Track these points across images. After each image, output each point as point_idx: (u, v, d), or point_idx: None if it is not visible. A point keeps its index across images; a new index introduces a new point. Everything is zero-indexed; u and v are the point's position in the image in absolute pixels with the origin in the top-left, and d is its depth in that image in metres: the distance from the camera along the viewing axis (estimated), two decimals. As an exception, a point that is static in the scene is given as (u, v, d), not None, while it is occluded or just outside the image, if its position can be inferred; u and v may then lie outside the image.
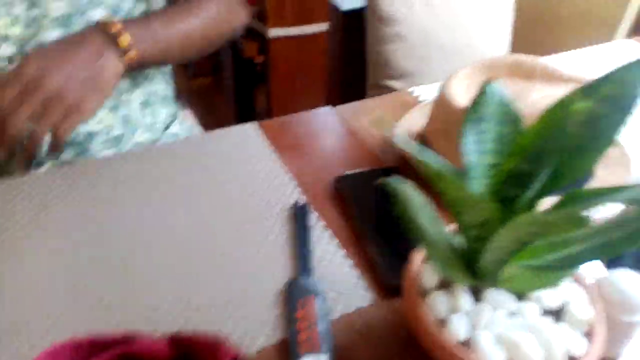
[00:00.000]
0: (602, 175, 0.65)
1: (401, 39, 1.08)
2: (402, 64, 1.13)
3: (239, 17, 0.87)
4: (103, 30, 0.66)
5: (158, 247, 0.54)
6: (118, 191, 0.61)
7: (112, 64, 0.66)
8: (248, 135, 0.71)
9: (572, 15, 1.37)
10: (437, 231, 0.40)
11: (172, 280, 0.50)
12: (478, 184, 0.40)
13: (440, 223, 0.41)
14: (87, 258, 0.53)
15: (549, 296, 0.41)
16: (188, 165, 0.65)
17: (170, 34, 0.73)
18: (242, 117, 2.11)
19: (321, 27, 1.74)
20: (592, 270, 0.51)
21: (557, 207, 0.35)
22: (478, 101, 0.41)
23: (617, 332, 0.44)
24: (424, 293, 0.42)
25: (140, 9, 0.82)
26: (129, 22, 0.69)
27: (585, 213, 0.30)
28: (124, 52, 0.67)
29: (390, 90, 1.13)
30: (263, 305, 0.48)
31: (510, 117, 0.42)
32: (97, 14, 0.75)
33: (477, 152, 0.40)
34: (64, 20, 0.73)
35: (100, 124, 0.79)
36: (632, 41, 1.05)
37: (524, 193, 0.36)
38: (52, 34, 0.72)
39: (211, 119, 2.23)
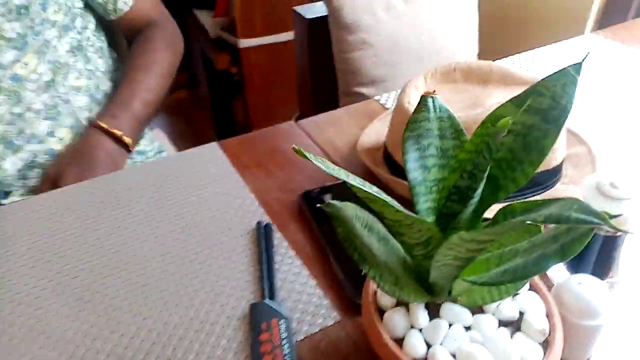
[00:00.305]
0: (573, 174, 0.65)
1: (367, 46, 1.08)
2: (371, 71, 1.13)
3: (180, 49, 0.97)
4: (104, 135, 0.80)
5: (118, 273, 0.54)
6: (80, 218, 0.61)
7: (119, 159, 0.80)
8: (209, 156, 0.71)
9: (541, 11, 1.38)
10: (387, 250, 0.40)
11: (135, 308, 0.50)
12: (424, 200, 0.40)
13: (392, 241, 0.41)
14: (49, 287, 0.52)
15: (507, 307, 0.41)
16: (149, 190, 0.65)
17: (147, 108, 0.86)
18: (221, 128, 2.10)
19: (291, 35, 1.74)
20: (555, 276, 0.52)
21: (490, 224, 0.35)
22: (417, 116, 0.41)
23: (579, 337, 0.44)
24: (381, 311, 0.42)
25: (90, 29, 0.86)
26: (113, 116, 0.81)
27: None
28: (126, 146, 0.82)
29: (362, 97, 1.13)
30: (228, 329, 0.48)
31: (452, 130, 0.42)
32: (52, 34, 0.76)
33: (421, 168, 0.41)
34: (19, 40, 0.73)
35: (61, 144, 0.80)
36: (597, 35, 1.06)
37: (466, 208, 0.36)
38: (7, 56, 0.72)
39: (190, 133, 2.23)
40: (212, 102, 2.09)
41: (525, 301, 0.42)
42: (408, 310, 0.41)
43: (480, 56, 1.27)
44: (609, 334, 0.48)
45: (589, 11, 1.32)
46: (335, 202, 0.39)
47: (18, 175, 0.78)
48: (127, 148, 0.81)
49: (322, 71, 1.23)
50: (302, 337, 0.48)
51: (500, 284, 0.35)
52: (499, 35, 1.40)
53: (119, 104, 0.83)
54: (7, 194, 0.78)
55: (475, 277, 0.37)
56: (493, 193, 0.37)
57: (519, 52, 1.00)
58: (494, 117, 0.38)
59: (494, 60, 0.98)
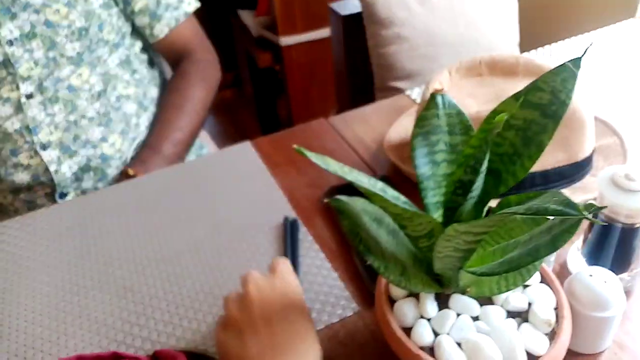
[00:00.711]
0: (604, 166, 0.64)
1: (402, 40, 1.09)
2: (406, 65, 1.13)
3: (217, 80, 0.98)
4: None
5: (155, 266, 0.58)
6: (122, 216, 0.66)
7: None
8: (242, 155, 0.74)
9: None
10: (397, 242, 0.42)
11: (169, 297, 0.54)
12: (432, 194, 0.42)
13: (400, 234, 0.43)
14: (95, 278, 0.57)
15: (515, 298, 0.42)
16: (186, 187, 0.69)
17: (178, 143, 0.87)
18: (266, 126, 2.15)
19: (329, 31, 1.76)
20: (575, 268, 0.52)
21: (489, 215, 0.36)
22: (426, 113, 0.42)
23: (591, 329, 0.44)
24: (393, 302, 0.44)
25: (138, 45, 0.90)
26: (143, 162, 0.83)
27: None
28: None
29: (398, 91, 1.14)
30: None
31: (460, 126, 0.43)
32: (104, 51, 0.83)
33: (429, 163, 0.42)
34: (77, 58, 0.80)
35: (113, 148, 0.86)
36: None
37: (467, 201, 0.38)
38: (65, 71, 0.79)
39: (236, 131, 2.30)
40: (256, 100, 2.14)
41: (535, 293, 0.42)
42: (418, 301, 0.43)
43: (522, 45, 1.24)
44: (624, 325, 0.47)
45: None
46: (342, 196, 0.41)
47: (73, 178, 0.84)
48: None
49: (358, 67, 1.24)
50: (322, 327, 0.50)
51: (497, 274, 0.36)
52: (541, 22, 1.36)
53: (148, 149, 0.86)
54: (64, 195, 0.85)
55: (476, 268, 0.38)
56: (495, 186, 0.38)
57: (563, 39, 0.97)
58: (496, 113, 0.39)
59: (536, 49, 0.97)
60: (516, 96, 0.38)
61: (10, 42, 0.75)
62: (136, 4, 0.87)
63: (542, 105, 0.37)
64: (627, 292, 0.50)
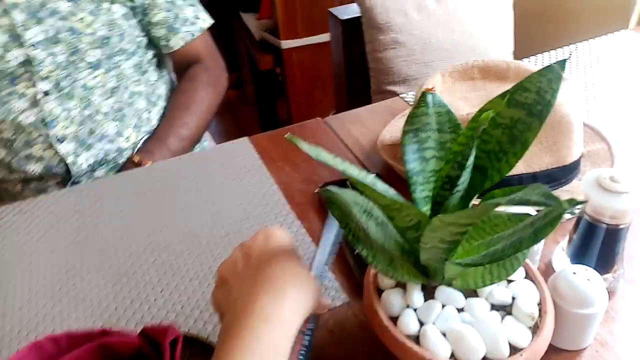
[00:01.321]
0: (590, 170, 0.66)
1: (399, 45, 1.11)
2: (403, 70, 1.15)
3: (223, 87, 1.02)
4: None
5: (152, 253, 0.59)
6: (120, 204, 0.67)
7: None
8: (240, 150, 0.76)
9: (582, 5, 1.35)
10: (385, 234, 0.43)
11: (164, 284, 0.56)
12: (420, 189, 0.43)
13: (389, 226, 0.44)
14: (90, 264, 0.58)
15: (499, 292, 0.43)
16: (185, 179, 0.71)
17: (183, 139, 0.91)
18: (266, 126, 2.17)
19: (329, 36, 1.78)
20: (559, 267, 0.53)
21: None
22: (416, 111, 0.44)
23: (574, 325, 0.46)
24: (382, 292, 0.45)
25: (151, 53, 0.96)
26: (149, 152, 0.86)
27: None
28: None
29: (394, 95, 1.15)
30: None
31: (449, 124, 0.44)
32: (121, 57, 0.88)
33: (419, 159, 0.43)
34: (95, 63, 0.84)
35: (128, 142, 0.88)
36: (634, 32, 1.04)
37: (453, 194, 0.39)
38: (83, 73, 0.83)
39: (237, 129, 2.32)
40: (257, 101, 2.16)
41: (518, 288, 0.44)
42: (405, 291, 0.44)
43: (517, 53, 1.26)
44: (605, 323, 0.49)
45: (634, 4, 1.28)
46: (332, 187, 0.42)
47: (88, 169, 0.87)
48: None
49: (356, 70, 1.26)
50: (313, 316, 0.51)
51: (480, 265, 0.38)
52: (535, 31, 1.38)
53: (155, 140, 0.90)
54: (75, 184, 0.87)
55: (461, 260, 0.39)
56: (481, 182, 0.40)
57: (556, 49, 0.99)
58: (483, 111, 0.40)
59: (529, 57, 0.99)
60: (503, 95, 0.40)
61: (34, 45, 0.77)
62: (154, 16, 0.91)
63: (528, 105, 0.38)
64: (610, 293, 0.51)
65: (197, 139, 0.95)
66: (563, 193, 0.62)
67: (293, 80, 1.90)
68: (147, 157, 0.85)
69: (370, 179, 0.39)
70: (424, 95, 0.45)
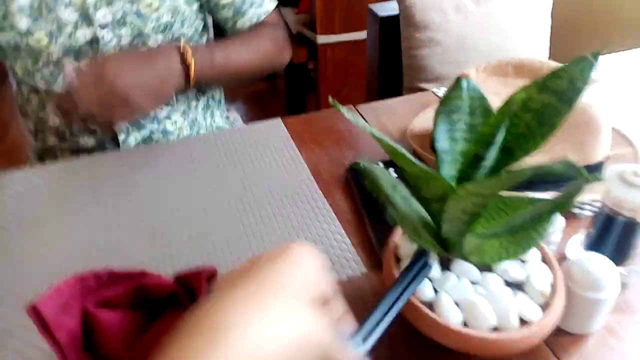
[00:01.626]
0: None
1: (435, 44, 1.13)
2: (436, 68, 1.17)
3: (285, 56, 0.98)
4: (177, 51, 0.79)
5: (182, 226, 0.63)
6: (158, 175, 0.71)
7: (176, 81, 0.78)
8: (273, 130, 0.79)
9: (622, 15, 1.35)
10: (408, 206, 0.46)
11: (193, 247, 0.59)
12: (448, 168, 0.45)
13: (412, 201, 0.46)
14: (121, 223, 0.62)
15: (514, 270, 0.45)
16: (217, 155, 0.74)
17: (227, 65, 0.86)
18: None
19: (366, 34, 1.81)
20: (573, 256, 0.55)
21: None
22: (450, 94, 0.46)
23: (584, 309, 0.47)
24: (399, 260, 0.48)
25: (205, 38, 0.96)
26: (196, 48, 0.81)
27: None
28: (187, 72, 0.79)
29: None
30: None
31: (481, 109, 0.47)
32: (180, 43, 0.83)
33: (449, 139, 0.46)
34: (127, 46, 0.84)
35: (174, 126, 0.91)
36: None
37: (478, 172, 0.41)
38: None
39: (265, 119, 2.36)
40: (287, 94, 2.20)
41: (533, 267, 0.46)
42: (424, 263, 0.46)
43: (552, 59, 1.26)
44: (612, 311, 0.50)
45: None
46: (364, 161, 0.45)
47: (134, 148, 0.90)
48: (187, 76, 0.80)
49: (390, 67, 1.28)
50: (332, 284, 0.54)
51: (499, 237, 0.40)
52: (572, 39, 1.39)
53: (206, 45, 0.87)
54: None
55: (484, 230, 0.41)
56: (506, 161, 0.42)
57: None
58: (517, 96, 0.42)
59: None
60: (536, 83, 0.42)
61: (102, 26, 0.80)
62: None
63: (559, 91, 0.40)
64: (623, 285, 0.52)
65: (238, 76, 0.91)
66: (585, 190, 0.63)
67: (325, 75, 1.93)
68: (191, 49, 0.80)
69: (401, 149, 0.42)
70: (459, 79, 0.47)
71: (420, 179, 0.40)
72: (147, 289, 0.43)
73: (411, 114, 0.81)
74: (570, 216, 0.60)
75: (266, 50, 0.93)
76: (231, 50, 0.88)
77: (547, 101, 0.41)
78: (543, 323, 0.42)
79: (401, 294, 0.41)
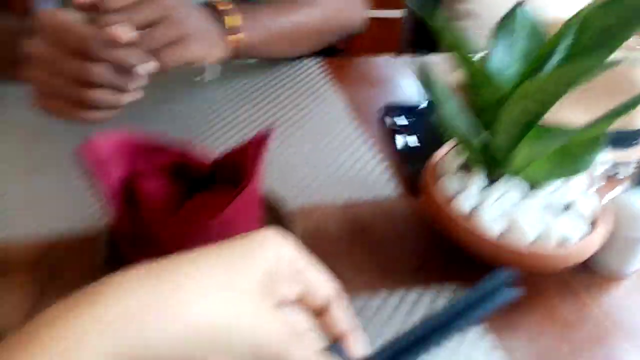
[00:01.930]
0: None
1: (473, 17, 1.13)
2: (473, 41, 1.17)
3: (357, 13, 0.85)
4: (211, 8, 0.61)
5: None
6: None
7: (215, 42, 0.59)
8: (311, 69, 0.79)
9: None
10: (461, 121, 0.46)
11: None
12: (503, 81, 0.45)
13: (464, 114, 0.46)
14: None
15: (561, 192, 0.45)
16: (252, 90, 0.74)
17: (281, 25, 0.69)
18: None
19: (400, 14, 1.81)
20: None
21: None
22: (507, 16, 0.46)
23: (626, 249, 0.47)
24: (441, 175, 0.48)
25: None
26: (247, 13, 0.64)
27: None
28: (229, 33, 0.61)
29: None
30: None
31: (538, 35, 0.47)
32: None
33: (505, 59, 0.46)
34: None
35: None
36: None
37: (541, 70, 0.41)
38: None
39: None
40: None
41: (580, 193, 0.46)
42: (466, 175, 0.46)
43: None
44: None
45: None
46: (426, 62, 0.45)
47: None
48: (227, 33, 0.61)
49: (425, 45, 1.28)
50: (360, 201, 0.55)
51: (549, 156, 0.40)
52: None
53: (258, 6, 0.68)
54: None
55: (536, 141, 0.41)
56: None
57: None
58: (579, 16, 0.42)
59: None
60: (602, 5, 0.42)
61: None
62: None
63: (621, 16, 0.40)
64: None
65: (291, 45, 0.74)
66: (621, 156, 0.63)
67: (355, 52, 1.92)
68: (240, 14, 0.63)
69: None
70: (514, 7, 0.47)
71: (480, 81, 0.40)
72: (189, 165, 0.44)
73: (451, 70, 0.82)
74: (610, 176, 0.60)
75: (334, 6, 0.77)
76: (283, 7, 0.71)
77: (609, 23, 0.41)
78: (581, 245, 0.43)
79: (455, 317, 0.28)
